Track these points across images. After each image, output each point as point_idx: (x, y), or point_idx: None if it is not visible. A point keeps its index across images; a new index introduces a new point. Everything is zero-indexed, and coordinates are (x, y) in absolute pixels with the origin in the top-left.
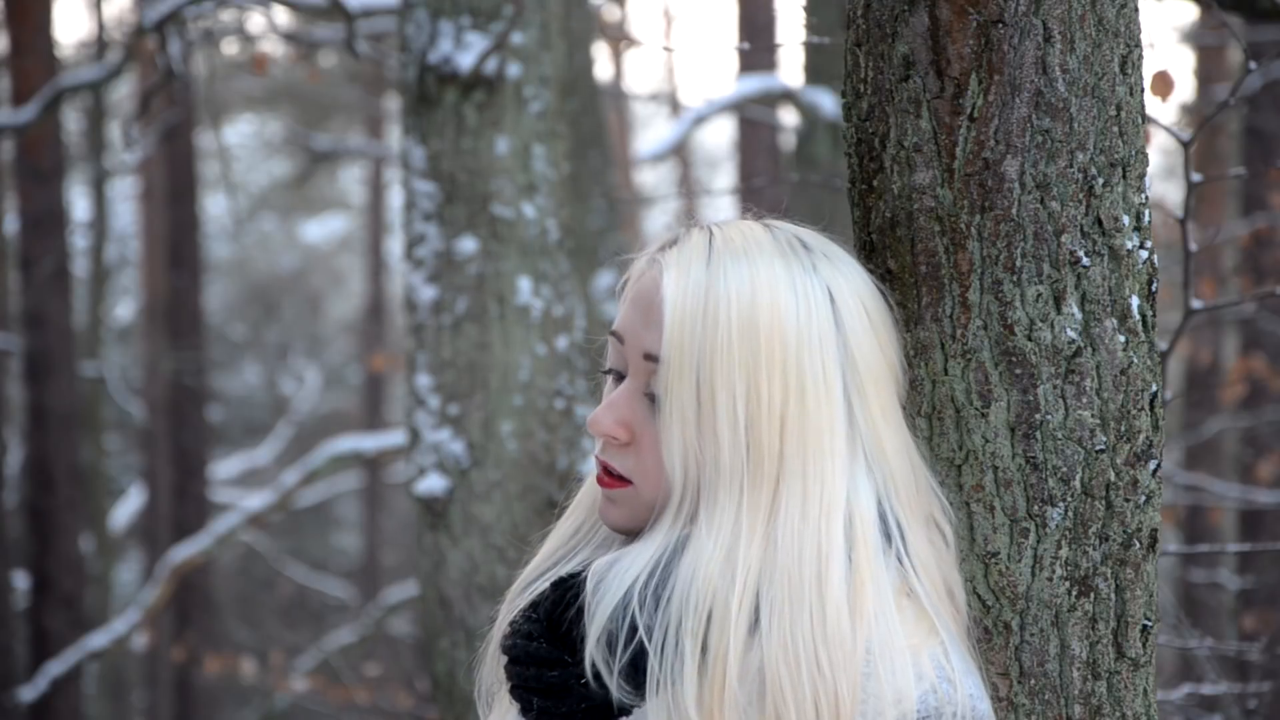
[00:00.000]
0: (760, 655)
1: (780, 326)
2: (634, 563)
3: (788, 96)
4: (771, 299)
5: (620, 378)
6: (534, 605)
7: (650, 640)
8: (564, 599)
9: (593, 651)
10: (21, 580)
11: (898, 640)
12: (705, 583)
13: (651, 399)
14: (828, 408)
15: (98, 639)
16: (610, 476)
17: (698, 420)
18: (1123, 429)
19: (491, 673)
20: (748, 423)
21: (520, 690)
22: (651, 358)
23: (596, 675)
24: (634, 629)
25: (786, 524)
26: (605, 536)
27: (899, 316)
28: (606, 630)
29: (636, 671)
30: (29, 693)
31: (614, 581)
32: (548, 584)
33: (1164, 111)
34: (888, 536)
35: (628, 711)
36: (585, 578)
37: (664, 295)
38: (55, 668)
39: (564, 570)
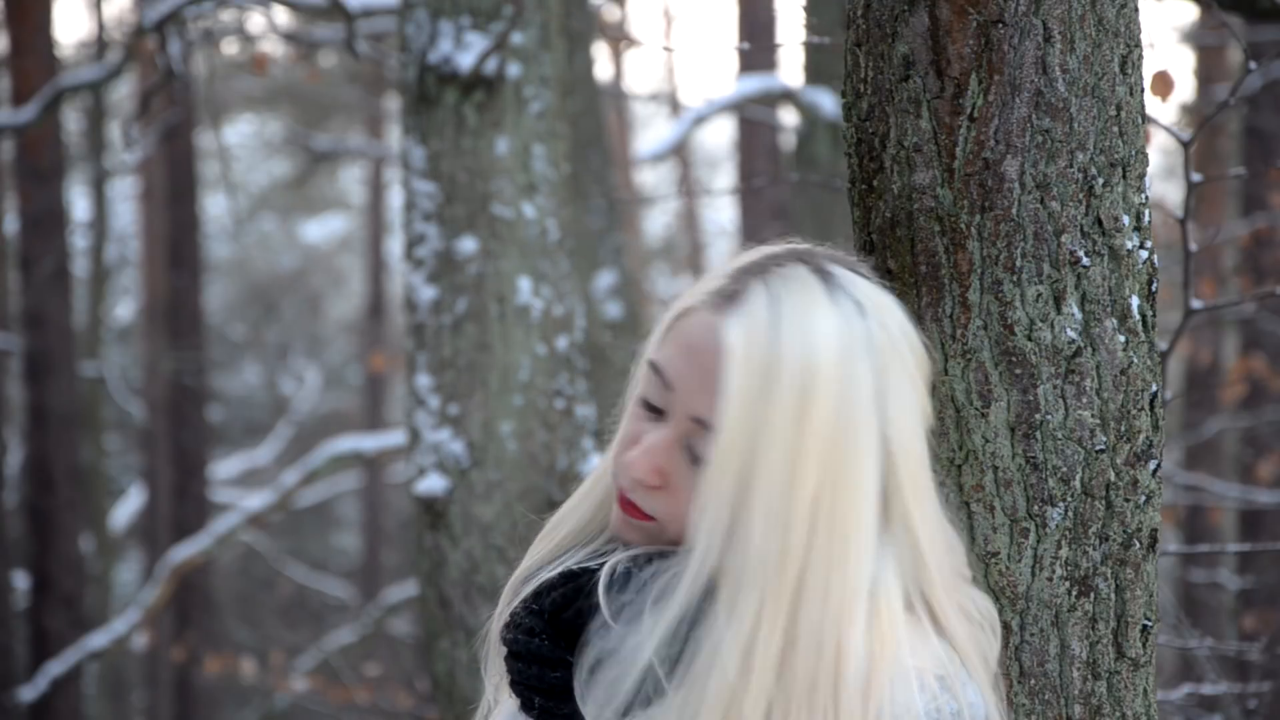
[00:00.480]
0: None
1: (829, 417)
2: (650, 637)
3: (788, 96)
4: (825, 388)
5: (654, 410)
6: (537, 595)
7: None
8: (573, 597)
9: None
10: (21, 580)
11: (906, 662)
12: (721, 683)
13: (689, 451)
14: (861, 497)
15: (98, 639)
16: (635, 509)
17: (734, 502)
18: (1123, 429)
19: (494, 655)
20: (783, 516)
21: (521, 687)
22: (701, 423)
23: None
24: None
25: (807, 617)
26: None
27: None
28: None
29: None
30: (29, 693)
31: (627, 658)
32: (555, 573)
33: (1164, 111)
34: (918, 617)
35: None
36: (599, 577)
37: (725, 365)
38: (55, 668)
39: (573, 561)
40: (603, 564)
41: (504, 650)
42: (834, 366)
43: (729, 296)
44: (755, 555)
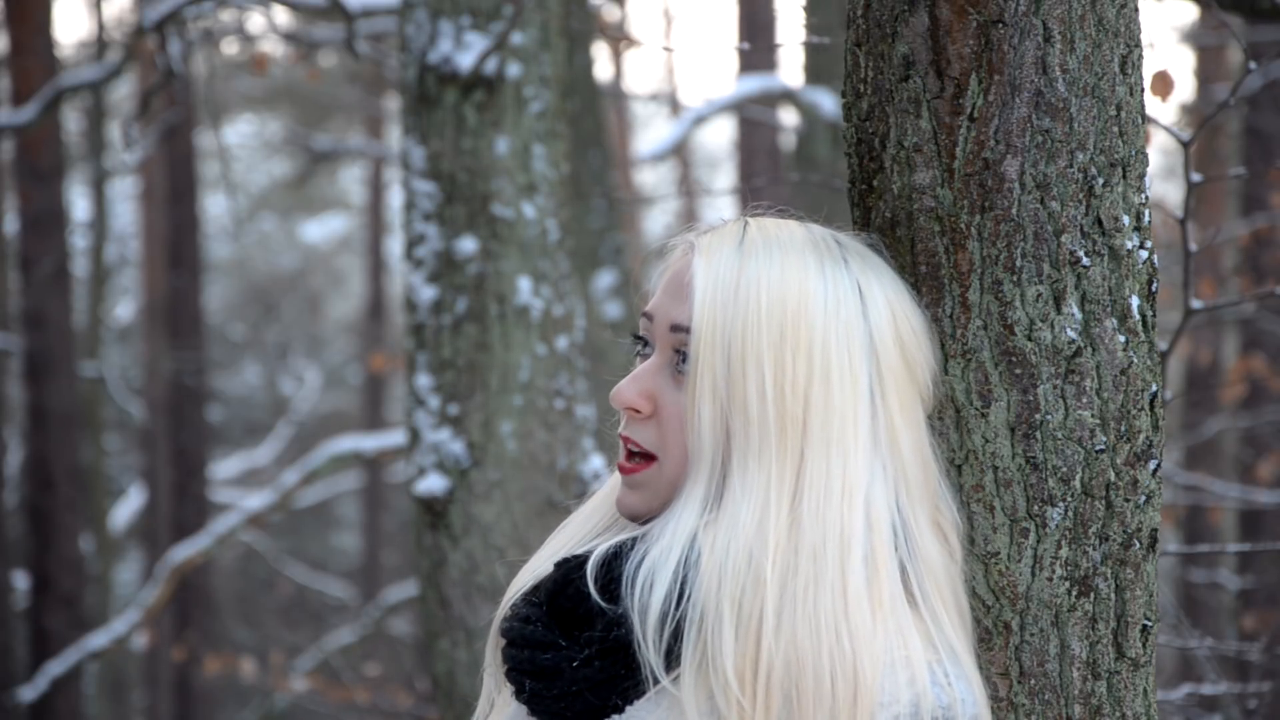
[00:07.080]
0: (790, 625)
1: (807, 311)
2: (677, 532)
3: (788, 96)
4: (800, 284)
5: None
6: (536, 588)
7: (692, 607)
8: (564, 582)
9: (645, 628)
10: (21, 580)
11: (897, 652)
12: (743, 549)
13: (675, 372)
14: (852, 395)
15: (98, 639)
16: (632, 461)
17: (728, 387)
18: (1123, 429)
19: (493, 653)
20: (775, 394)
21: (514, 673)
22: (678, 328)
23: (622, 645)
24: (682, 596)
25: (811, 502)
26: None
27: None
28: (663, 604)
29: (676, 641)
30: (29, 693)
31: (661, 555)
32: (550, 565)
33: (1164, 111)
34: (895, 535)
35: (619, 711)
36: (588, 557)
37: (694, 271)
38: (55, 668)
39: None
40: (594, 548)
41: (503, 642)
42: (809, 270)
43: (706, 230)
44: (756, 437)
